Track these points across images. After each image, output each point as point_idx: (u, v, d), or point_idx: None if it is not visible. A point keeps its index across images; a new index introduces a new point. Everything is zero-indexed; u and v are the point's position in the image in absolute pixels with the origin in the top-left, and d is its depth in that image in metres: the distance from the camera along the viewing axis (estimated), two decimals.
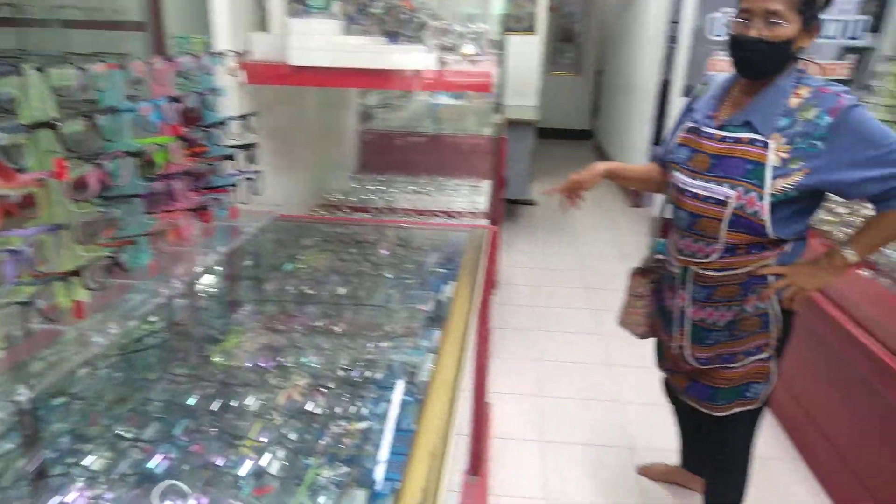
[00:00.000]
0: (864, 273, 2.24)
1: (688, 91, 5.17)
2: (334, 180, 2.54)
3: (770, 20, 1.45)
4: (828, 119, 1.45)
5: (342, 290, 1.63)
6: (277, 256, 1.67)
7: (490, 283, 1.78)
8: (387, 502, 0.97)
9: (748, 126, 1.53)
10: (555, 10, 8.38)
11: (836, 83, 1.53)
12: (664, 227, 1.89)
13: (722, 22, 4.63)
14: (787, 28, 1.46)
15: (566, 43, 8.89)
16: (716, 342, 1.72)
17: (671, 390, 2.13)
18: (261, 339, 1.43)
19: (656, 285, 1.93)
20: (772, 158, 1.48)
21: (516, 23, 6.21)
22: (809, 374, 2.51)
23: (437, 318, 1.42)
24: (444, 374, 1.12)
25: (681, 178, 1.64)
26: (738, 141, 1.53)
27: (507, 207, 5.86)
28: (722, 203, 1.54)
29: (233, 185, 1.44)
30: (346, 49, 1.47)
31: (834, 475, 2.40)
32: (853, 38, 4.46)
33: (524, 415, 2.87)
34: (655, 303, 1.92)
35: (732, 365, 1.73)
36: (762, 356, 1.71)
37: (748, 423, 1.82)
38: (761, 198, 1.49)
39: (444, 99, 3.48)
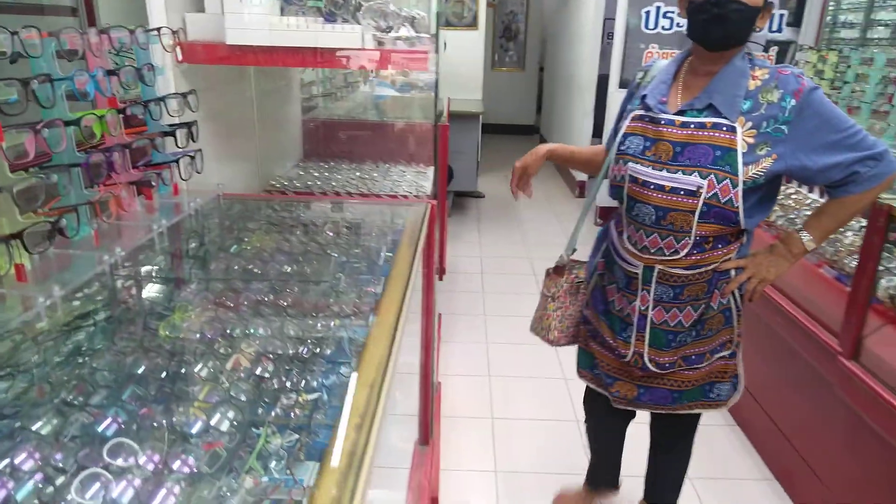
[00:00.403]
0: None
1: (624, 84, 5.36)
2: (280, 168, 2.56)
3: None
4: (792, 102, 1.39)
5: (288, 269, 1.66)
6: (223, 234, 1.69)
7: (430, 266, 1.83)
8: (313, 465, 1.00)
9: (711, 110, 1.44)
10: (492, 6, 8.53)
11: (787, 65, 1.49)
12: (603, 234, 1.76)
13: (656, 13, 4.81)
14: None
15: (510, 40, 9.04)
16: (681, 344, 1.62)
17: (598, 404, 1.91)
18: (208, 313, 1.46)
19: (584, 287, 1.81)
20: (741, 144, 1.40)
21: (458, 18, 6.31)
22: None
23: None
24: (376, 343, 1.16)
25: (641, 169, 1.49)
26: (701, 126, 1.43)
27: (454, 200, 5.95)
28: (693, 193, 1.43)
29: (174, 162, 1.46)
30: (281, 28, 1.51)
31: (769, 444, 2.55)
32: (776, 31, 4.71)
33: (475, 394, 2.95)
34: (596, 307, 1.76)
35: (698, 366, 1.65)
36: (725, 353, 1.66)
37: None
38: (735, 185, 1.41)
39: (387, 90, 3.54)
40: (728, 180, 1.41)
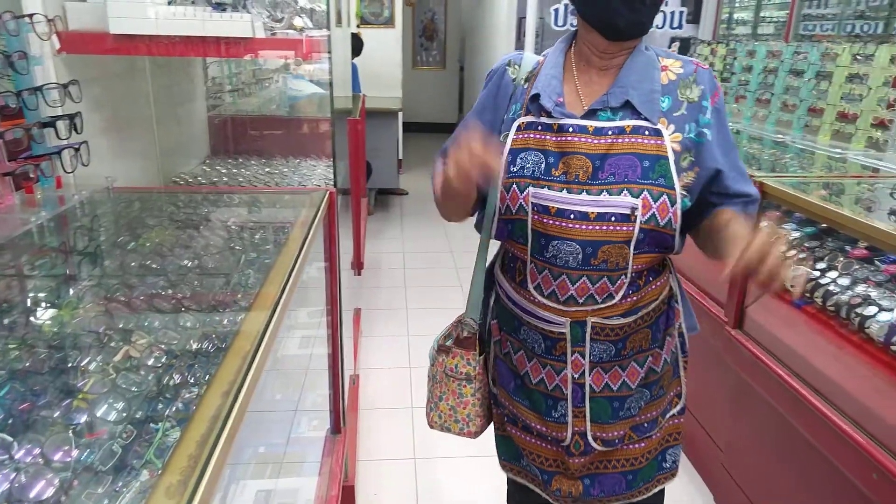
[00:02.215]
0: None
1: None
2: (184, 165, 2.51)
3: None
4: (710, 103, 1.17)
5: (187, 262, 1.63)
6: (118, 229, 1.65)
7: (334, 257, 1.84)
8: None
9: (628, 110, 1.14)
10: (410, 5, 8.59)
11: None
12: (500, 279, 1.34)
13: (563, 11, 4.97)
14: None
15: (430, 39, 9.11)
16: (630, 412, 1.28)
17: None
18: (98, 308, 1.42)
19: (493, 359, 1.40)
20: (670, 150, 1.13)
21: (375, 17, 6.31)
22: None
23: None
24: (248, 329, 1.16)
25: (551, 195, 1.15)
26: (621, 132, 1.13)
27: (377, 197, 5.95)
28: (626, 218, 1.12)
29: (56, 154, 1.42)
30: (167, 17, 1.49)
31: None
32: (678, 28, 4.95)
33: (395, 386, 2.97)
34: (505, 384, 1.37)
35: (650, 433, 1.32)
36: (675, 410, 1.37)
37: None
38: (673, 201, 1.13)
39: (300, 84, 3.50)
40: (665, 196, 1.13)
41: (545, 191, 1.15)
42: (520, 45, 5.82)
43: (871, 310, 1.63)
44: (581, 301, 1.18)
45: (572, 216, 1.14)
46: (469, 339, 1.36)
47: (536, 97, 1.18)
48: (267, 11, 1.69)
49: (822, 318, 1.79)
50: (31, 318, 1.30)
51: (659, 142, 1.13)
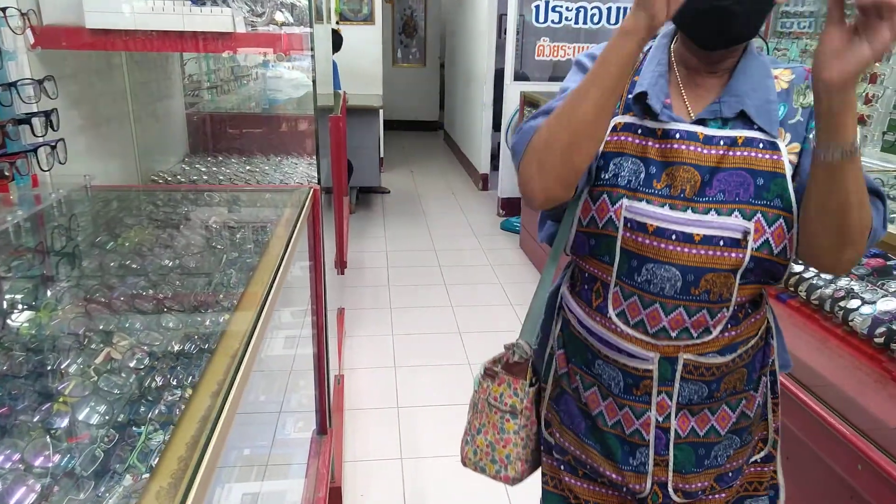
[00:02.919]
0: None
1: (519, 77, 5.50)
2: (163, 163, 2.46)
3: None
4: None
5: (168, 262, 1.60)
6: (96, 228, 1.62)
7: (318, 256, 1.82)
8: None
9: (741, 120, 1.00)
10: (389, 2, 8.56)
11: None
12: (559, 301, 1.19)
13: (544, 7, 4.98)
14: None
15: (410, 36, 9.09)
16: (715, 462, 1.11)
17: None
18: (77, 310, 1.39)
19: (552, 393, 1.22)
20: (788, 166, 0.98)
21: (354, 13, 6.27)
22: None
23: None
24: (234, 329, 1.14)
25: (650, 210, 0.99)
26: (732, 143, 0.99)
27: (359, 196, 5.92)
28: (737, 243, 0.97)
29: (31, 152, 1.38)
30: (145, 11, 1.46)
31: None
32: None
33: (380, 385, 2.95)
34: (573, 425, 1.18)
35: (731, 483, 1.15)
36: (758, 457, 1.18)
37: None
38: (790, 226, 0.98)
39: (281, 81, 3.46)
40: (781, 221, 0.98)
41: (643, 205, 1.00)
42: (501, 41, 5.82)
43: (854, 303, 1.65)
44: (674, 335, 1.02)
45: (674, 237, 0.98)
46: (520, 365, 1.19)
47: (642, 96, 1.02)
48: (247, 6, 1.67)
49: (806, 312, 1.80)
50: (8, 321, 1.27)
51: (776, 156, 0.98)
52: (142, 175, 2.22)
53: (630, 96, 1.04)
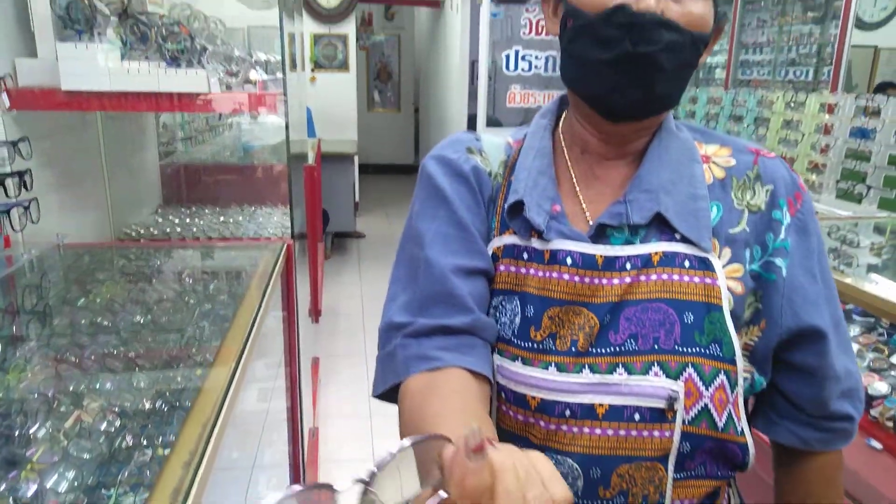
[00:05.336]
0: None
1: (492, 122, 5.63)
2: (135, 215, 2.46)
3: None
4: (788, 215, 0.74)
5: (141, 319, 1.60)
6: (67, 286, 1.61)
7: (292, 308, 1.83)
8: None
9: (654, 225, 0.72)
10: (364, 49, 8.74)
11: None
12: None
13: (515, 56, 5.13)
14: (704, 7, 0.68)
15: (384, 82, 9.25)
16: None
17: None
18: (47, 371, 1.38)
19: None
20: (725, 294, 0.70)
21: (329, 61, 6.39)
22: None
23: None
24: (208, 387, 1.14)
25: (531, 376, 0.71)
26: (646, 263, 0.70)
27: (334, 241, 5.93)
28: (661, 416, 0.68)
29: (4, 213, 1.38)
30: (121, 73, 1.49)
31: None
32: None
33: (356, 437, 2.92)
34: None
35: None
36: None
37: None
38: (733, 383, 0.70)
39: (254, 131, 3.50)
40: (723, 377, 0.69)
41: (517, 365, 0.71)
42: (473, 88, 5.96)
43: None
44: None
45: (567, 412, 0.69)
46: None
47: (518, 206, 0.74)
48: (223, 66, 1.71)
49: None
50: None
51: (709, 279, 0.70)
52: (114, 228, 2.21)
53: (505, 207, 0.75)
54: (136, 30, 1.52)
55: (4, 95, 1.42)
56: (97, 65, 1.47)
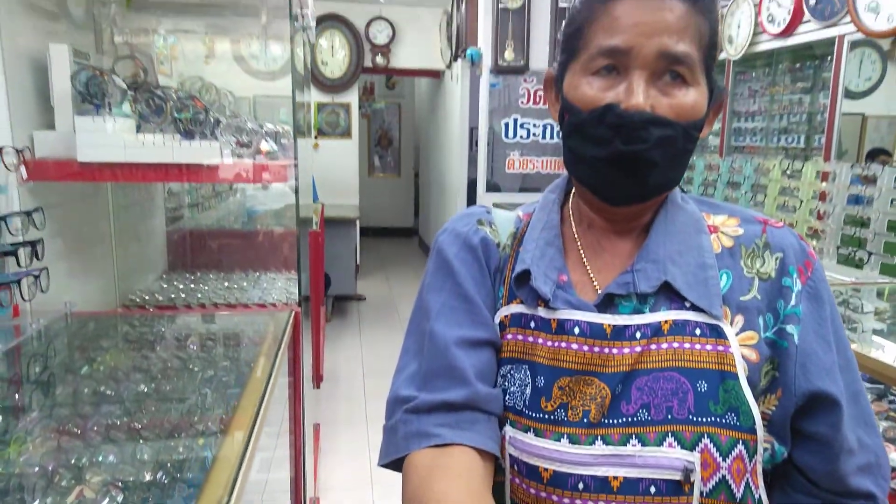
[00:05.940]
0: None
1: (492, 188, 5.72)
2: (141, 282, 2.47)
3: (673, 70, 0.68)
4: (798, 283, 0.74)
5: (145, 388, 1.58)
6: (72, 355, 1.60)
7: (297, 375, 1.81)
8: None
9: (663, 294, 0.72)
10: (366, 117, 8.97)
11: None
12: None
13: (517, 123, 5.26)
14: (696, 94, 0.69)
15: (385, 148, 9.46)
16: None
17: None
18: (49, 443, 1.35)
19: None
20: (740, 361, 0.70)
21: (332, 128, 6.54)
22: None
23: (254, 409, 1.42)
24: (224, 457, 1.12)
25: (543, 448, 0.70)
26: (656, 332, 0.71)
27: (335, 304, 5.92)
28: (676, 488, 0.67)
29: (15, 283, 1.39)
30: (136, 146, 1.52)
31: None
32: None
33: None
34: None
35: None
36: None
37: None
38: (752, 452, 0.69)
39: (261, 196, 3.55)
40: (741, 445, 0.68)
41: (530, 437, 0.71)
42: (472, 153, 6.08)
43: None
44: None
45: (581, 485, 0.68)
46: None
47: (525, 276, 0.76)
48: (234, 137, 1.75)
49: None
50: None
51: (721, 347, 0.69)
52: (119, 295, 2.22)
53: (513, 277, 0.77)
54: (151, 103, 1.57)
55: (23, 168, 1.45)
56: (114, 137, 1.51)
